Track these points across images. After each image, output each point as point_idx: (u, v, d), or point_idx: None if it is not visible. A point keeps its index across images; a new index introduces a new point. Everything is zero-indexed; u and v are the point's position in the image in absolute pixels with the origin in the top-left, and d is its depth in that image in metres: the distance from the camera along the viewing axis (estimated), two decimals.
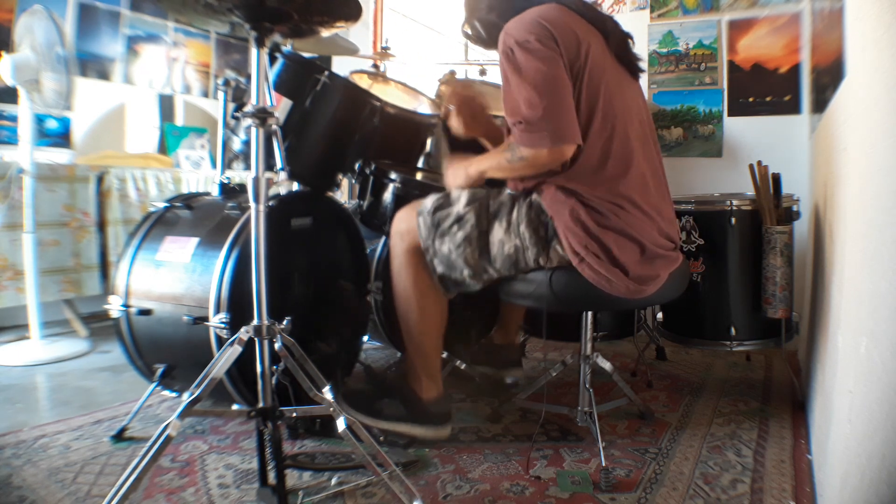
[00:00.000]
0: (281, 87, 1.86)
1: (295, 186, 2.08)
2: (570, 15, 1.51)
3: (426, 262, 1.62)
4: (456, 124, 1.76)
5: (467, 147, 1.80)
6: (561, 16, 1.49)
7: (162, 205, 1.88)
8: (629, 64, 1.60)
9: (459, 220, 1.56)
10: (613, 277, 1.45)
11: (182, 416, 1.19)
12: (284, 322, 1.31)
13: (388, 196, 1.87)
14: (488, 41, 1.67)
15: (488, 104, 1.82)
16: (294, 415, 1.40)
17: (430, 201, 1.62)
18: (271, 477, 1.30)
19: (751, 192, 2.07)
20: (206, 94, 3.74)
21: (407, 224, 1.63)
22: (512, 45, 1.44)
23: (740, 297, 2.05)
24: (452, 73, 1.99)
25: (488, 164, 1.58)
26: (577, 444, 1.69)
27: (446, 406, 1.71)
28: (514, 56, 1.44)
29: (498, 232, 1.54)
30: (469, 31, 1.69)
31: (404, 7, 4.71)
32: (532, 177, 1.52)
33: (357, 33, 4.11)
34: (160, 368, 1.70)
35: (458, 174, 1.65)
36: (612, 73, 1.53)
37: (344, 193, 2.92)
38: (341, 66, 3.60)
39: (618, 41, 1.57)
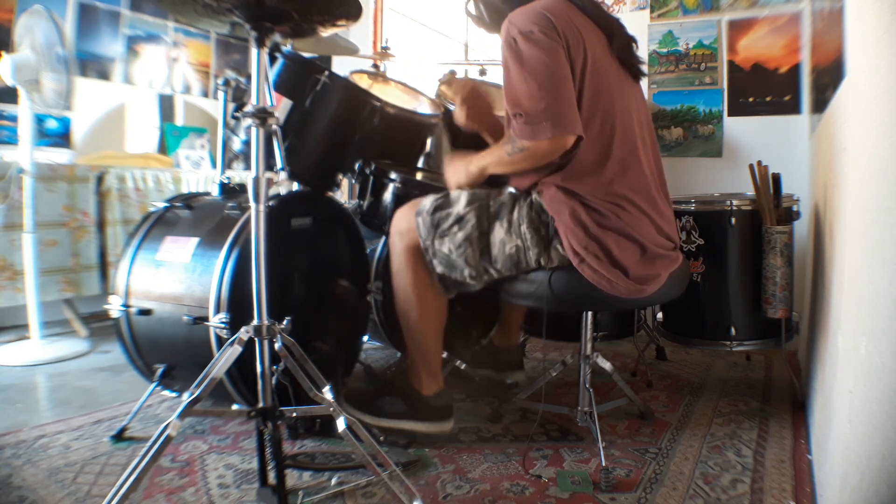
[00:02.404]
0: (281, 87, 1.86)
1: (295, 186, 2.08)
2: (574, 11, 1.52)
3: (426, 261, 1.62)
4: (460, 117, 1.76)
5: (469, 146, 1.80)
6: (565, 10, 1.49)
7: (162, 205, 1.88)
8: (631, 66, 1.60)
9: (460, 220, 1.56)
10: (613, 278, 1.45)
11: (182, 416, 1.19)
12: (284, 322, 1.31)
13: (388, 196, 1.87)
14: (490, 24, 1.67)
15: (493, 101, 1.82)
16: (294, 415, 1.40)
17: (428, 201, 1.62)
18: (271, 477, 1.30)
19: (751, 192, 2.07)
20: (206, 94, 3.74)
21: (407, 223, 1.63)
22: (515, 35, 1.44)
23: (740, 297, 2.05)
24: (452, 72, 1.99)
25: (489, 159, 1.58)
26: (577, 444, 1.69)
27: (447, 400, 1.71)
28: (516, 46, 1.44)
29: (499, 232, 1.54)
30: (473, 11, 1.69)
31: (404, 7, 4.71)
32: (532, 171, 1.52)
33: (357, 33, 4.11)
34: (160, 368, 1.70)
35: (459, 172, 1.65)
36: (613, 74, 1.53)
37: (344, 193, 2.92)
38: (341, 66, 3.60)
39: (621, 43, 1.57)
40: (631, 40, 1.61)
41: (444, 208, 1.59)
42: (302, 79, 1.85)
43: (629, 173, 1.50)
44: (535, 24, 1.43)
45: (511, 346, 2.16)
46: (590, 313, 1.73)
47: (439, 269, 1.61)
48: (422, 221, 1.60)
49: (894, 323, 0.83)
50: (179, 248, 1.70)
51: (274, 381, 1.30)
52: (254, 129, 1.25)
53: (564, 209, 1.46)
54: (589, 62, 1.46)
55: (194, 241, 1.69)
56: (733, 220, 2.03)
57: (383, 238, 2.09)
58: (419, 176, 2.04)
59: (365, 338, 2.21)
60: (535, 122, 1.41)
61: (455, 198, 1.61)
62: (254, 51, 1.26)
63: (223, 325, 1.53)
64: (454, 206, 1.59)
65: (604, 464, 1.51)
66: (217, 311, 1.56)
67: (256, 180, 1.25)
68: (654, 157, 1.63)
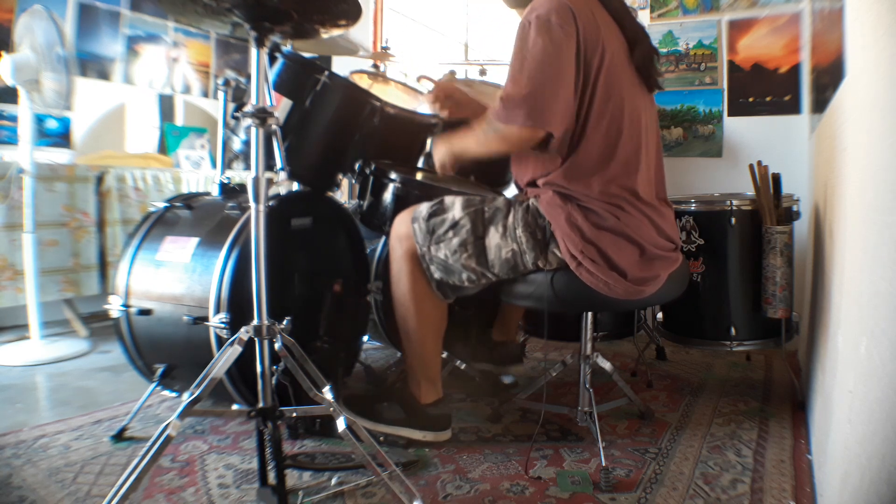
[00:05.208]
0: (281, 87, 1.86)
1: (295, 186, 2.08)
2: (600, 9, 1.52)
3: (424, 269, 1.62)
4: (443, 114, 1.81)
5: (473, 164, 1.83)
6: (591, 6, 1.50)
7: (162, 205, 1.87)
8: (648, 78, 1.60)
9: (454, 225, 1.56)
10: (611, 281, 1.45)
11: (182, 416, 1.19)
12: (284, 322, 1.31)
13: (388, 196, 1.86)
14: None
15: (469, 96, 1.86)
16: (294, 415, 1.40)
17: (424, 207, 1.62)
18: (271, 477, 1.30)
19: (751, 192, 2.07)
20: (206, 94, 3.74)
21: (406, 228, 1.63)
22: (531, 19, 1.45)
23: (740, 297, 2.05)
24: (452, 72, 1.99)
25: (469, 139, 1.61)
26: (577, 444, 1.69)
27: (446, 410, 1.71)
28: (528, 29, 1.44)
29: (494, 237, 1.54)
30: None
31: (404, 7, 4.71)
32: (533, 166, 1.54)
33: (357, 33, 4.11)
34: (160, 368, 1.70)
35: (442, 150, 1.69)
36: (627, 79, 1.53)
37: (344, 193, 2.92)
38: (341, 66, 3.60)
39: (643, 53, 1.57)
40: (653, 52, 1.60)
41: (439, 214, 1.59)
42: (302, 79, 1.85)
43: (631, 176, 1.50)
44: (556, 12, 1.43)
45: (510, 341, 2.16)
46: (589, 313, 1.73)
47: (437, 274, 1.60)
48: (418, 228, 1.60)
49: (894, 323, 0.83)
50: (179, 248, 1.70)
51: (274, 381, 1.30)
52: (254, 129, 1.25)
53: (560, 213, 1.47)
54: (605, 62, 1.46)
55: (194, 241, 1.69)
56: (733, 220, 2.03)
57: (383, 238, 2.09)
58: (419, 176, 2.04)
59: (365, 338, 2.21)
60: (512, 107, 1.43)
61: (450, 203, 1.61)
62: (254, 51, 1.26)
63: (223, 325, 1.53)
64: (449, 212, 1.58)
65: (604, 464, 1.51)
66: (217, 311, 1.56)
67: (256, 180, 1.25)
68: (657, 165, 1.63)
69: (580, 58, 1.44)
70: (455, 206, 1.59)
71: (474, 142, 1.60)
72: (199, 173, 3.14)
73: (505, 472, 1.53)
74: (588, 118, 1.46)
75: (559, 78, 1.43)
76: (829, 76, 1.76)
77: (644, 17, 3.32)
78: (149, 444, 1.17)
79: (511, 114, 1.43)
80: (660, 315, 2.37)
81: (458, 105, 1.86)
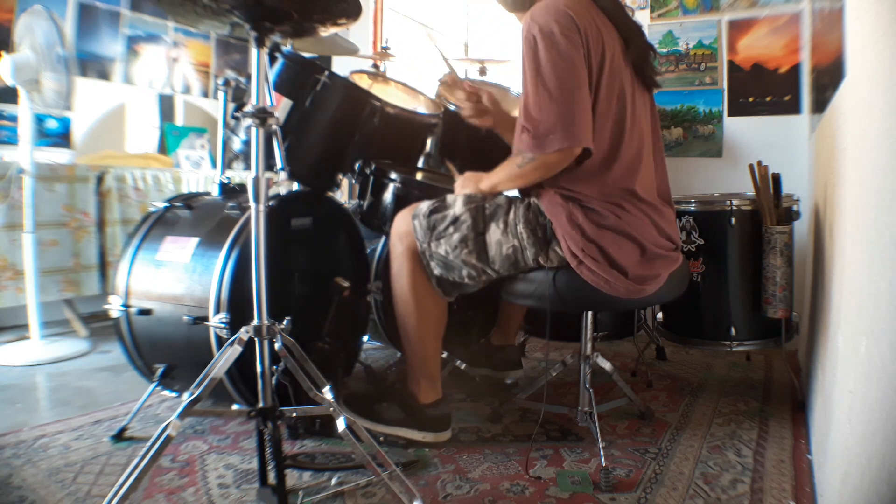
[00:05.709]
0: (281, 87, 1.86)
1: (295, 186, 2.08)
2: (596, 11, 1.50)
3: (424, 265, 1.62)
4: (471, 117, 1.78)
5: (468, 150, 1.80)
6: (588, 9, 1.48)
7: (162, 205, 1.88)
8: (645, 76, 1.59)
9: (455, 221, 1.56)
10: (612, 279, 1.45)
11: (182, 416, 1.19)
12: (284, 322, 1.31)
13: (388, 196, 1.87)
14: (510, 2, 1.65)
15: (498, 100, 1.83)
16: (294, 415, 1.40)
17: (425, 205, 1.62)
18: (271, 477, 1.30)
19: (751, 192, 2.08)
20: (206, 94, 3.73)
21: (406, 226, 1.63)
22: (535, 34, 1.42)
23: (740, 297, 2.05)
24: (452, 72, 1.98)
25: (500, 175, 1.57)
26: (577, 444, 1.69)
27: (446, 410, 1.70)
28: (535, 45, 1.42)
29: (495, 233, 1.54)
30: None
31: (404, 7, 4.71)
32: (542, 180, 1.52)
33: (357, 33, 4.11)
34: (160, 368, 1.70)
35: (468, 189, 1.64)
36: (627, 79, 1.52)
37: (344, 193, 2.92)
38: (341, 66, 3.60)
39: (638, 51, 1.55)
40: (649, 48, 1.59)
41: (440, 210, 1.59)
42: (302, 79, 1.85)
43: (633, 176, 1.50)
44: (557, 22, 1.41)
45: (508, 346, 2.16)
46: (590, 313, 1.73)
47: (437, 271, 1.60)
48: (418, 224, 1.60)
49: (894, 323, 0.83)
50: (179, 248, 1.70)
51: (274, 381, 1.30)
52: (254, 129, 1.25)
53: (562, 212, 1.47)
54: (606, 64, 1.45)
55: (194, 241, 1.69)
56: (733, 220, 2.03)
57: (383, 238, 2.09)
58: (419, 176, 2.04)
59: (365, 338, 2.21)
60: (543, 134, 1.40)
61: (451, 200, 1.61)
62: (254, 51, 1.26)
63: (223, 325, 1.53)
64: (450, 209, 1.59)
65: (604, 464, 1.51)
66: (217, 311, 1.56)
67: (256, 180, 1.25)
68: (659, 165, 1.63)
69: (588, 64, 1.43)
70: (456, 203, 1.59)
71: (506, 178, 1.55)
72: (199, 173, 3.14)
73: (505, 472, 1.53)
74: (594, 121, 1.45)
75: (580, 91, 1.41)
76: (829, 76, 1.76)
77: (644, 17, 3.33)
78: (149, 444, 1.17)
79: (545, 142, 1.40)
80: (660, 315, 2.37)
81: (484, 111, 1.79)
